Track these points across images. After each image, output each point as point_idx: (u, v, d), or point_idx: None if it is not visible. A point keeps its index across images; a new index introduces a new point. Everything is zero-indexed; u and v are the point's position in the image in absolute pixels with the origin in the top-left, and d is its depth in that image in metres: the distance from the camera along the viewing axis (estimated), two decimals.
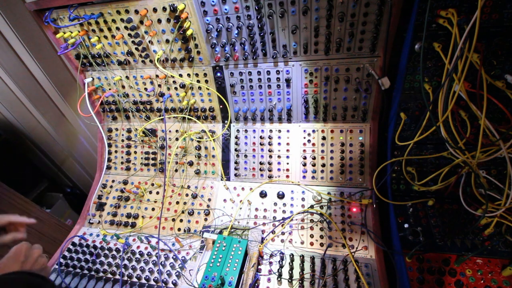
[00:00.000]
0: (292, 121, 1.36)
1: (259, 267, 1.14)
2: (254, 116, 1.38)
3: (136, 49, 1.31)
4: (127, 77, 1.42)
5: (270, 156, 1.38)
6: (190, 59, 1.28)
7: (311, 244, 1.19)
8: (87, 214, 1.49)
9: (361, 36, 1.09)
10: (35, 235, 1.81)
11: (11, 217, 1.00)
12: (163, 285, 1.16)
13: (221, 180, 1.43)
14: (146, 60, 1.34)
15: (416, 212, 1.12)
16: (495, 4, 0.81)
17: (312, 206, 1.26)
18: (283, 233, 1.24)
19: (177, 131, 1.49)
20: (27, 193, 2.13)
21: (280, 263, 1.14)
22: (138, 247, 1.31)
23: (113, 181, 1.56)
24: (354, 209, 1.21)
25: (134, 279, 1.20)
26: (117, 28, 1.27)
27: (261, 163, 1.38)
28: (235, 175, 1.42)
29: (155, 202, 1.45)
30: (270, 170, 1.37)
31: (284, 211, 1.30)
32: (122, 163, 1.58)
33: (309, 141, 1.33)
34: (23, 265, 0.88)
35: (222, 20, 1.15)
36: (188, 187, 1.45)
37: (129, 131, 1.56)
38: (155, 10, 1.17)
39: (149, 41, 1.27)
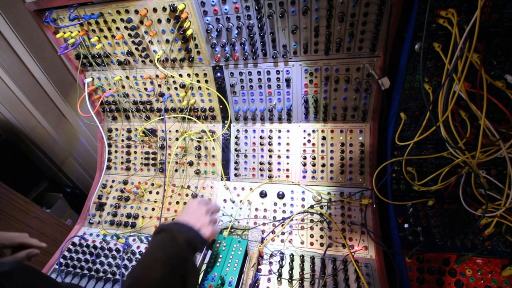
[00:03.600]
0: (292, 121, 1.36)
1: (259, 267, 1.14)
2: (254, 116, 1.38)
3: (136, 49, 1.31)
4: (127, 77, 1.42)
5: (270, 156, 1.38)
6: (190, 59, 1.28)
7: (311, 244, 1.19)
8: (87, 214, 1.49)
9: (361, 36, 1.09)
10: (35, 235, 1.80)
11: (24, 239, 1.01)
12: None
13: (221, 180, 1.43)
14: (146, 60, 1.34)
15: (416, 212, 1.12)
16: (495, 4, 0.81)
17: (312, 206, 1.26)
18: (283, 233, 1.24)
19: (177, 131, 1.49)
20: (27, 193, 2.14)
21: (280, 263, 1.14)
22: (138, 247, 1.31)
23: (113, 181, 1.56)
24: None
25: None
26: (117, 28, 1.27)
27: (261, 163, 1.38)
28: (235, 175, 1.42)
29: (155, 202, 1.45)
30: (270, 170, 1.37)
31: (284, 211, 1.30)
32: (122, 163, 1.58)
33: (309, 141, 1.33)
34: (199, 227, 0.96)
35: (222, 20, 1.15)
36: (188, 187, 1.45)
37: (129, 131, 1.56)
38: (155, 10, 1.17)
39: (149, 41, 1.27)
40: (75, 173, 2.55)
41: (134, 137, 1.55)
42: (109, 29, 1.28)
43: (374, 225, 1.18)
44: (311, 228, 1.23)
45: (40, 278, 0.73)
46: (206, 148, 1.46)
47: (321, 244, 1.18)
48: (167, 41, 1.24)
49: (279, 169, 1.36)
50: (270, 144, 1.38)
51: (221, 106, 1.40)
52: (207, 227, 0.99)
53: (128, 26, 1.22)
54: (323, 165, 1.31)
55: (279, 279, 1.08)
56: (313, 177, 1.33)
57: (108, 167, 1.59)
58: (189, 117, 1.43)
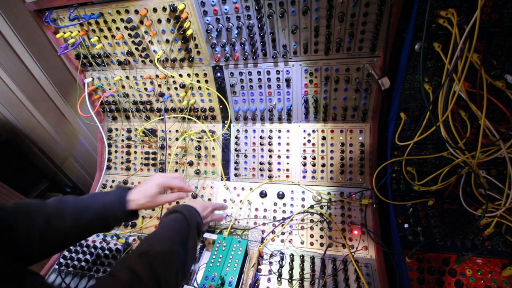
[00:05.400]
0: (292, 121, 1.36)
1: (259, 267, 1.14)
2: (254, 116, 1.38)
3: (136, 49, 1.31)
4: (127, 77, 1.42)
5: (270, 156, 1.38)
6: (190, 59, 1.28)
7: (311, 244, 1.19)
8: None
9: (361, 36, 1.09)
10: None
11: (183, 185, 1.16)
12: None
13: (221, 180, 1.43)
14: (146, 60, 1.34)
15: (416, 212, 1.12)
16: (495, 4, 0.81)
17: (312, 206, 1.26)
18: (283, 233, 1.24)
19: (177, 131, 1.49)
20: (27, 193, 2.13)
21: (280, 263, 1.14)
22: None
23: (113, 181, 1.56)
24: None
25: None
26: (117, 28, 1.27)
27: (261, 163, 1.38)
28: (235, 175, 1.42)
29: None
30: (270, 170, 1.37)
31: (284, 211, 1.30)
32: (122, 163, 1.57)
33: (309, 141, 1.33)
34: (203, 216, 1.09)
35: (222, 20, 1.15)
36: None
37: (129, 131, 1.56)
38: (155, 10, 1.17)
39: (149, 41, 1.27)
40: (75, 173, 2.55)
41: (134, 137, 1.55)
42: (109, 29, 1.28)
43: (374, 225, 1.18)
44: (311, 228, 1.23)
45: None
46: (206, 148, 1.46)
47: (321, 244, 1.18)
48: (167, 41, 1.24)
49: (279, 169, 1.36)
50: (270, 144, 1.38)
51: (221, 106, 1.40)
52: (207, 218, 1.14)
53: (128, 26, 1.22)
54: (323, 165, 1.31)
55: (279, 279, 1.08)
56: (313, 177, 1.32)
57: (108, 167, 1.59)
58: (189, 117, 1.43)
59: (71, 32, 1.29)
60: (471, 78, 0.87)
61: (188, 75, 1.34)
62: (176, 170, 1.48)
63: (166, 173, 1.32)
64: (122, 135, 1.58)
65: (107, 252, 1.31)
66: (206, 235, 1.22)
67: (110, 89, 1.47)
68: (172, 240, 0.89)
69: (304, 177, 1.33)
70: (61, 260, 1.31)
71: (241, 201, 1.36)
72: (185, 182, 1.25)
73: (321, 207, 1.26)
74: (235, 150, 1.42)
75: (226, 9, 1.11)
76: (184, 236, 0.93)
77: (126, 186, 1.19)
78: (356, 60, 1.14)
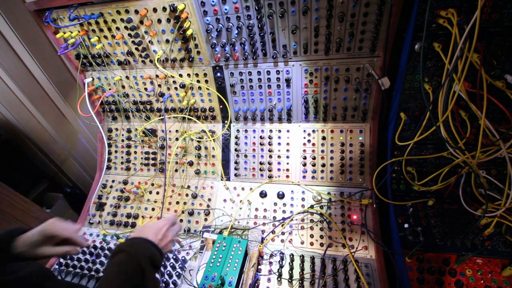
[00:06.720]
0: (292, 121, 1.36)
1: (259, 267, 1.14)
2: (254, 116, 1.38)
3: (136, 49, 1.31)
4: (127, 77, 1.42)
5: (270, 156, 1.38)
6: (190, 59, 1.28)
7: (311, 244, 1.19)
8: (87, 214, 1.49)
9: (361, 36, 1.09)
10: None
11: (73, 235, 0.95)
12: (163, 285, 1.16)
13: (221, 180, 1.43)
14: (146, 60, 1.34)
15: (416, 212, 1.12)
16: (495, 4, 0.81)
17: (312, 206, 1.26)
18: (283, 233, 1.24)
19: (177, 131, 1.49)
20: (27, 193, 2.13)
21: (280, 263, 1.14)
22: None
23: (113, 181, 1.56)
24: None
25: None
26: (117, 28, 1.27)
27: (261, 163, 1.38)
28: (235, 175, 1.42)
29: (155, 202, 1.45)
30: (270, 170, 1.37)
31: (284, 211, 1.30)
32: (122, 163, 1.57)
33: (309, 141, 1.33)
34: (159, 242, 0.90)
35: (222, 20, 1.15)
36: (188, 187, 1.45)
37: (129, 131, 1.56)
38: (155, 10, 1.17)
39: (149, 41, 1.27)
40: (75, 173, 2.55)
41: (134, 137, 1.55)
42: (109, 29, 1.28)
43: (374, 225, 1.18)
44: (311, 228, 1.23)
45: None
46: (206, 148, 1.46)
47: (321, 244, 1.18)
48: (167, 41, 1.24)
49: (279, 169, 1.36)
50: (270, 144, 1.38)
51: (221, 106, 1.40)
52: (167, 239, 0.95)
53: (128, 26, 1.22)
54: (323, 165, 1.31)
55: (279, 279, 1.08)
56: (313, 177, 1.32)
57: (108, 167, 1.59)
58: (189, 117, 1.43)
59: (71, 32, 1.29)
60: (471, 78, 0.87)
61: (188, 75, 1.34)
62: (176, 170, 1.48)
63: (60, 220, 0.97)
64: (122, 135, 1.58)
65: (107, 252, 1.31)
66: (206, 235, 1.22)
67: (110, 89, 1.47)
68: None
69: (304, 177, 1.33)
70: (61, 260, 1.31)
71: (241, 201, 1.36)
72: (77, 232, 0.98)
73: (321, 207, 1.26)
74: (235, 150, 1.42)
75: (226, 9, 1.11)
76: (136, 279, 0.78)
77: (20, 228, 0.96)
78: (356, 60, 1.14)
